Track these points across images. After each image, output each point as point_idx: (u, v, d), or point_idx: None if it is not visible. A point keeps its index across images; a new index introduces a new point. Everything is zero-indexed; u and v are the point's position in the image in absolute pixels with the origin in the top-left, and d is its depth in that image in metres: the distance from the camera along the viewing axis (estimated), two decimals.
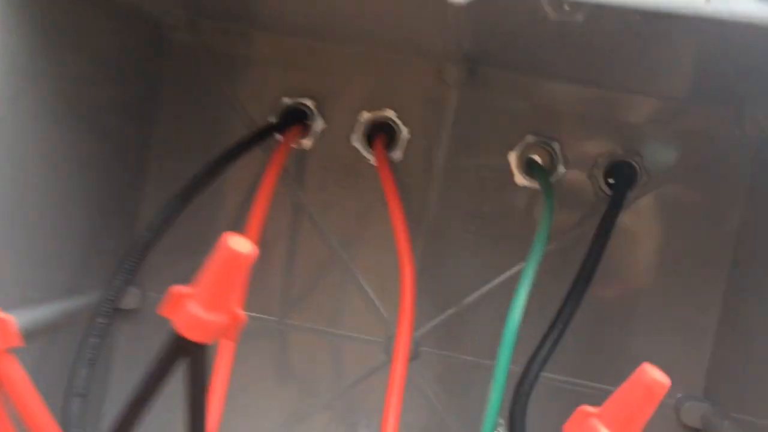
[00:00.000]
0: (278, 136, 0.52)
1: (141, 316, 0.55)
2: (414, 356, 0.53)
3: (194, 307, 0.29)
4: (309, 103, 0.53)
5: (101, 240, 0.50)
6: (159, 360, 0.30)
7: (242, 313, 0.30)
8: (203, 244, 0.51)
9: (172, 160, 0.54)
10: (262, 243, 0.47)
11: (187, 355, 0.30)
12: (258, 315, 0.55)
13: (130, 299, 0.54)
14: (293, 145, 0.53)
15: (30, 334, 0.41)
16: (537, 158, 0.52)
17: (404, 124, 0.53)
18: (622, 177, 0.51)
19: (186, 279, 0.30)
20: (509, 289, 0.44)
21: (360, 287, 0.54)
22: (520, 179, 0.52)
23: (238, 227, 0.53)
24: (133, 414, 0.31)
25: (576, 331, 0.47)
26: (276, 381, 0.56)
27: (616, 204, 0.48)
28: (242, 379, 0.50)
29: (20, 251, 0.41)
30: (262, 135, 0.51)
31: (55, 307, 0.45)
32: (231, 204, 0.55)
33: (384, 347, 0.54)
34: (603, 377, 0.52)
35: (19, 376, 0.31)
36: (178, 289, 0.29)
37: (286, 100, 0.53)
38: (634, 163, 0.51)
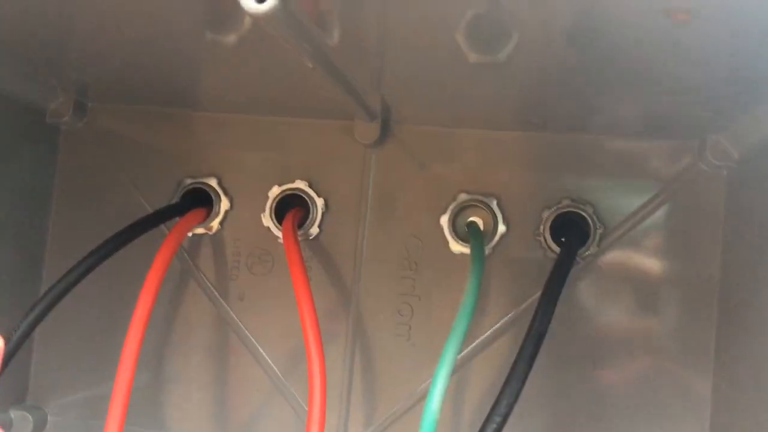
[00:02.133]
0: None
1: None
2: None
3: None
4: (212, 182, 0.48)
5: None
6: None
7: None
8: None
9: (68, 255, 0.49)
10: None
11: None
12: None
13: None
14: (194, 229, 0.47)
15: None
16: (476, 220, 0.45)
17: (318, 194, 0.47)
18: (572, 232, 0.43)
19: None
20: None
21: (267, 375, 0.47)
22: (456, 246, 0.45)
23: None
24: None
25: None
26: None
27: (563, 263, 0.41)
28: None
29: None
30: (155, 220, 0.45)
31: None
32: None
33: None
34: None
35: None
36: None
37: (188, 181, 0.48)
38: (585, 214, 0.44)
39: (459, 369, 0.45)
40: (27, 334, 0.40)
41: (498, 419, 0.36)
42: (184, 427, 0.48)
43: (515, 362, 0.38)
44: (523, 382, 0.37)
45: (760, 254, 0.37)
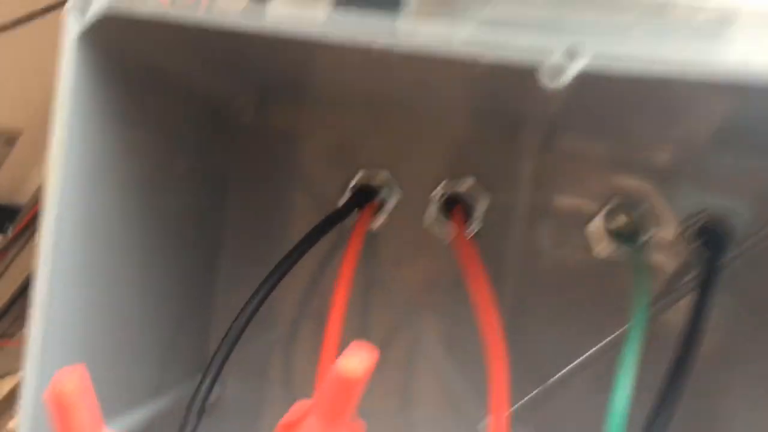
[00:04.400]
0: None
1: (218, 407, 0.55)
2: None
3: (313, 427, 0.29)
4: (383, 175, 0.54)
5: (179, 336, 0.50)
6: None
7: (360, 424, 0.30)
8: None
9: (243, 246, 0.54)
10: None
11: None
12: None
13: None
14: (368, 225, 0.53)
15: None
16: (623, 222, 0.52)
17: (483, 192, 0.53)
18: (715, 239, 0.50)
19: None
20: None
21: (441, 365, 0.54)
22: (604, 248, 0.51)
23: (307, 311, 0.53)
24: None
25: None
26: None
27: (711, 272, 0.47)
28: None
29: (109, 359, 0.41)
30: (336, 219, 0.51)
31: (145, 407, 0.45)
32: (299, 287, 0.55)
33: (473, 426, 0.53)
34: None
35: None
36: (294, 411, 0.29)
37: (360, 174, 0.54)
38: (729, 222, 0.50)
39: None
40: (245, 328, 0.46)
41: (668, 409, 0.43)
42: None
43: (677, 360, 0.44)
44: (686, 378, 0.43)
45: None
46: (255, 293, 0.46)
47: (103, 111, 0.37)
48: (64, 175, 0.35)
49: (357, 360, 0.28)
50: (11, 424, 1.82)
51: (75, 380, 0.29)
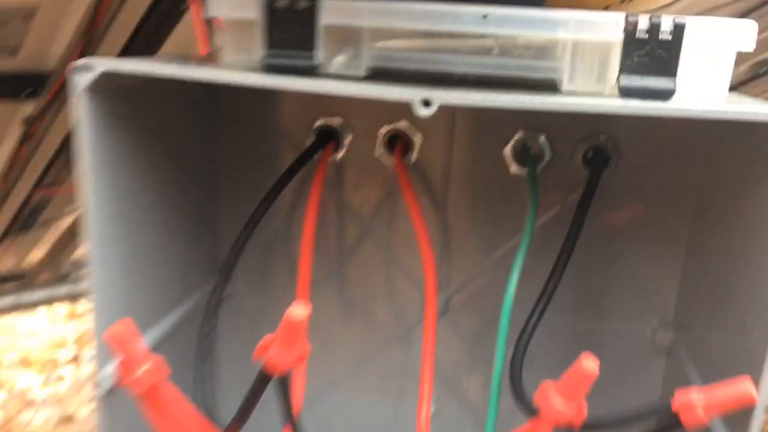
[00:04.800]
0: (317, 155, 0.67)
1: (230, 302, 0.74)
2: (444, 312, 0.70)
3: (274, 352, 0.46)
4: (338, 121, 0.68)
5: (193, 254, 0.68)
6: (254, 386, 0.48)
7: (307, 347, 0.47)
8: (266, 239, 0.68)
9: (237, 188, 0.70)
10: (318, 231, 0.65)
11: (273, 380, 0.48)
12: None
13: None
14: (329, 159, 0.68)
15: (158, 346, 0.60)
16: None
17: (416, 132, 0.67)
18: (598, 159, 0.64)
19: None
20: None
21: (393, 261, 0.71)
22: (515, 168, 0.66)
23: (293, 227, 0.70)
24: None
25: (567, 282, 0.63)
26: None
27: (592, 184, 0.62)
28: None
29: (143, 280, 0.59)
30: (306, 157, 0.66)
31: (171, 316, 0.63)
32: (285, 209, 0.71)
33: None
34: (591, 315, 0.68)
35: (175, 394, 0.50)
36: (263, 343, 0.46)
37: (319, 121, 0.68)
38: (607, 149, 0.64)
39: None
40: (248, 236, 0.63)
41: (552, 286, 0.59)
42: None
43: (562, 248, 0.59)
44: (568, 260, 0.59)
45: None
46: (253, 213, 0.63)
47: (114, 142, 0.52)
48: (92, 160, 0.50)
49: (300, 308, 0.44)
50: (77, 254, 2.08)
51: (124, 324, 0.46)
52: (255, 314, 0.73)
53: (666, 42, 0.44)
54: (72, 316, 3.49)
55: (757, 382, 0.46)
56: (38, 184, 1.55)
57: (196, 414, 0.52)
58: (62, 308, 3.45)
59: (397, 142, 0.67)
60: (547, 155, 0.65)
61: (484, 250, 0.70)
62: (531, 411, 0.53)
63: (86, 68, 0.47)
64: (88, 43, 1.11)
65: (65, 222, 1.89)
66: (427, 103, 0.44)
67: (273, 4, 0.47)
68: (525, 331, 0.58)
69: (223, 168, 0.71)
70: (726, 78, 0.46)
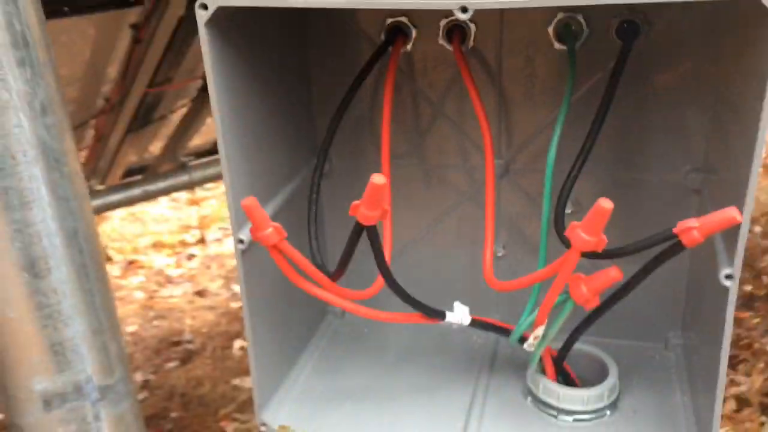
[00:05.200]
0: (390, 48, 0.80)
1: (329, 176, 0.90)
2: (503, 173, 0.84)
3: (363, 209, 0.62)
4: (405, 19, 0.80)
5: (297, 140, 0.84)
6: (351, 236, 0.64)
7: (387, 207, 0.63)
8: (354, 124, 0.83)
9: (328, 82, 0.85)
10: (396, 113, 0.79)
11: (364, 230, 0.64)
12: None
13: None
14: (401, 51, 0.81)
15: (277, 214, 0.77)
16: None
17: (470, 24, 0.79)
18: (629, 31, 0.74)
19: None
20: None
21: (461, 134, 0.85)
22: (558, 45, 0.77)
23: (375, 111, 0.85)
24: None
25: (609, 138, 0.75)
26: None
27: (625, 51, 0.72)
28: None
29: (261, 163, 0.76)
30: (380, 51, 0.80)
31: (285, 189, 0.81)
32: (368, 97, 0.86)
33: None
34: (631, 166, 0.81)
35: (294, 251, 0.67)
36: (355, 204, 0.62)
37: (389, 20, 0.80)
38: (637, 20, 0.73)
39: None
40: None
41: (593, 136, 0.72)
42: None
43: (599, 106, 0.71)
44: (606, 115, 0.71)
45: None
46: (341, 101, 0.78)
47: (231, 59, 0.67)
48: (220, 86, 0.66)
49: (380, 177, 0.60)
50: (191, 145, 2.28)
51: (251, 199, 0.63)
52: (349, 186, 0.90)
53: None
54: (193, 202, 3.84)
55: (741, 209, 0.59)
56: (150, 84, 1.73)
57: (310, 264, 0.69)
58: (183, 196, 3.79)
59: (455, 32, 0.79)
60: (585, 32, 0.76)
61: (537, 119, 0.82)
62: (569, 245, 0.68)
63: (203, 6, 0.62)
64: None
65: (177, 116, 2.10)
66: (464, 10, 0.56)
67: None
68: (567, 182, 0.72)
69: (315, 66, 0.85)
70: None
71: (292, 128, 0.83)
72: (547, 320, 0.72)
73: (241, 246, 0.71)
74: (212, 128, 2.32)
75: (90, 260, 0.73)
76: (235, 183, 0.69)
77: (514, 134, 0.84)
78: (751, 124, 0.58)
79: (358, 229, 0.63)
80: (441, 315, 0.75)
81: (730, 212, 0.58)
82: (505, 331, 0.79)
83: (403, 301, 0.72)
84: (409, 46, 0.82)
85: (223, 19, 0.64)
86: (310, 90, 0.87)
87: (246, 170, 0.72)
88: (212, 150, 2.36)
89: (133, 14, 1.45)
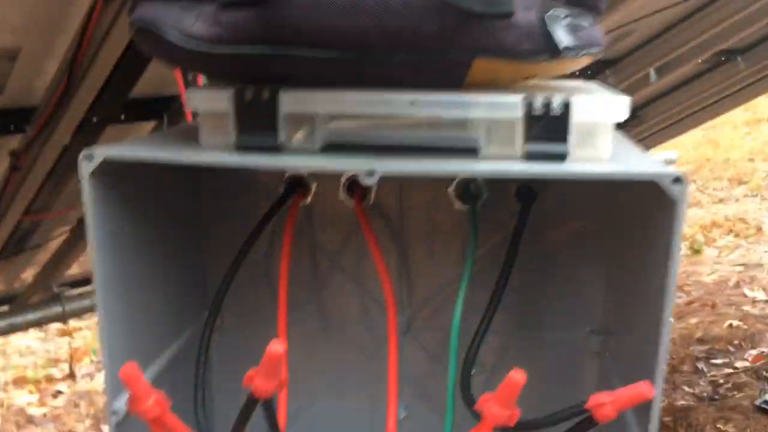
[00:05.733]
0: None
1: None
2: (406, 331, 0.82)
3: (259, 381, 0.57)
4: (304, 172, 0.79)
5: (185, 296, 0.79)
6: (243, 409, 0.59)
7: (285, 376, 0.58)
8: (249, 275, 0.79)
9: (221, 233, 0.82)
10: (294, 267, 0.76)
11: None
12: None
13: None
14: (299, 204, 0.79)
15: (159, 377, 0.71)
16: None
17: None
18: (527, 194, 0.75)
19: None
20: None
21: (361, 288, 0.83)
22: (458, 205, 0.77)
23: (272, 264, 0.81)
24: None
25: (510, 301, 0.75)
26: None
27: (524, 216, 0.73)
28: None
29: (143, 322, 0.70)
30: (279, 204, 0.77)
31: (168, 351, 0.74)
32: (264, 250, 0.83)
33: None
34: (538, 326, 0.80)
35: (178, 424, 0.61)
36: (250, 374, 0.57)
37: (288, 174, 0.79)
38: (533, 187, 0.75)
39: None
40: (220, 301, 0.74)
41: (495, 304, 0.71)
42: None
43: (498, 279, 0.71)
44: (505, 288, 0.71)
45: None
46: (237, 255, 0.74)
47: (115, 210, 0.63)
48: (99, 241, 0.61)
49: (278, 345, 0.55)
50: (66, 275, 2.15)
51: (130, 366, 0.57)
52: (241, 343, 0.84)
53: (556, 117, 0.55)
54: (64, 333, 3.59)
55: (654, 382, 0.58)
56: (27, 211, 1.64)
57: None
58: (54, 325, 3.54)
59: (356, 188, 0.78)
60: (485, 194, 0.76)
61: (438, 276, 0.81)
62: (478, 416, 0.65)
63: (89, 157, 0.58)
64: (72, 77, 1.19)
65: (53, 245, 1.99)
66: (370, 174, 0.55)
67: (242, 97, 0.58)
68: (472, 345, 0.70)
69: (207, 216, 0.82)
70: (607, 141, 0.57)
71: (181, 281, 0.78)
72: None
73: (114, 418, 0.64)
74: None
75: None
76: (113, 345, 0.63)
77: (415, 290, 0.82)
78: (656, 294, 0.58)
79: (253, 402, 0.58)
80: None
81: (642, 387, 0.57)
82: None
83: None
84: (308, 200, 0.80)
85: (110, 170, 0.60)
86: (200, 241, 0.83)
87: (127, 329, 0.66)
88: (89, 279, 2.24)
89: (14, 141, 1.39)
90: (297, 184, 0.79)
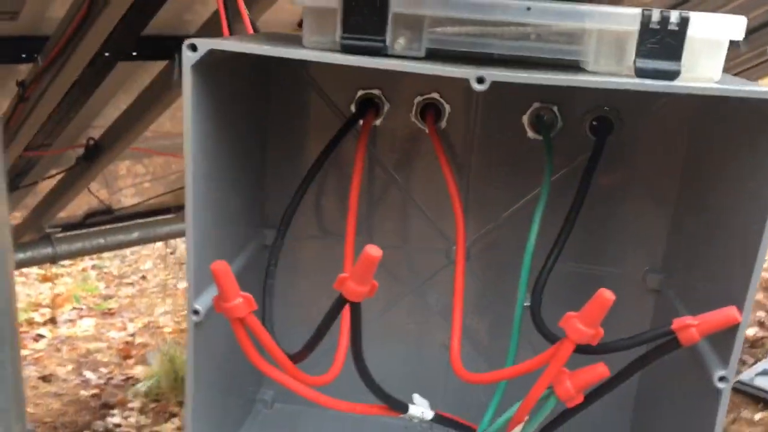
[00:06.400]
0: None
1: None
2: (467, 258, 0.82)
3: (351, 283, 0.57)
4: (377, 92, 0.78)
5: (251, 210, 0.78)
6: (331, 309, 0.59)
7: (375, 283, 0.58)
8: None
9: (286, 157, 0.81)
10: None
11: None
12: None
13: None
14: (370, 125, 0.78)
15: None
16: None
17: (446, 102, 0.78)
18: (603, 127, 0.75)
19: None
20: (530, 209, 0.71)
21: (423, 214, 0.82)
22: (531, 134, 0.77)
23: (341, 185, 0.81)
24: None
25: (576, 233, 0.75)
26: None
27: (598, 148, 0.74)
28: None
29: (228, 226, 0.69)
30: (351, 124, 0.76)
31: (237, 261, 0.74)
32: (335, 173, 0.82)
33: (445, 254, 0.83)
34: (592, 261, 0.81)
35: (261, 328, 0.61)
36: (341, 277, 0.57)
37: (360, 92, 0.78)
38: (611, 117, 0.75)
39: None
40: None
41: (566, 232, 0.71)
42: None
43: (573, 201, 0.71)
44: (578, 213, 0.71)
45: None
46: (306, 175, 0.74)
47: (211, 104, 0.62)
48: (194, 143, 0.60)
49: (375, 249, 0.55)
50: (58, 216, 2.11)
51: (222, 263, 0.57)
52: (291, 259, 0.84)
53: (673, 32, 0.55)
54: (45, 279, 3.54)
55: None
56: (28, 146, 1.61)
57: (275, 344, 0.63)
58: (34, 271, 3.48)
59: (429, 111, 0.77)
60: (559, 123, 0.76)
61: (499, 206, 0.81)
62: (551, 339, 0.66)
63: (192, 47, 0.57)
64: (92, 6, 1.16)
65: (47, 185, 1.95)
66: (480, 80, 0.55)
67: None
68: (542, 274, 0.70)
69: (274, 131, 0.81)
70: (720, 61, 0.57)
71: (248, 194, 0.77)
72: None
73: (195, 318, 0.63)
74: (82, 202, 2.20)
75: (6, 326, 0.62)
76: (198, 242, 0.62)
77: (474, 220, 0.82)
78: (752, 240, 0.58)
79: (342, 302, 0.58)
80: (403, 408, 0.69)
81: (730, 312, 0.58)
82: (468, 430, 0.74)
83: (368, 388, 0.66)
84: (379, 121, 0.79)
85: (207, 65, 0.59)
86: (264, 157, 0.82)
87: (210, 232, 0.66)
88: (80, 224, 2.21)
89: (23, 71, 1.36)
90: (369, 103, 0.78)
